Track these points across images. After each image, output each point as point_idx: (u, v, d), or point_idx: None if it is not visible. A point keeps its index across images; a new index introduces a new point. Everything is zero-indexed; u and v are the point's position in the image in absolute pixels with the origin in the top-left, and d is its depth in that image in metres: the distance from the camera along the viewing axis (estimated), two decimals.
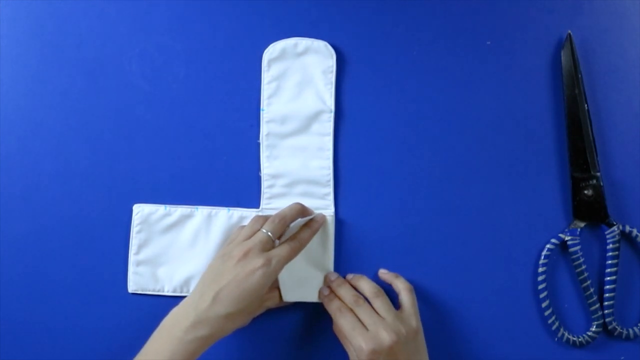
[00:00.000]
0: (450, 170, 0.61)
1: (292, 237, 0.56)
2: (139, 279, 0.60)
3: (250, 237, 0.55)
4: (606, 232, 0.59)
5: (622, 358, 0.59)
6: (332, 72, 0.61)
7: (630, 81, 0.62)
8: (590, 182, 0.60)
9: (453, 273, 0.60)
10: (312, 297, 0.59)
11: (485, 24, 0.62)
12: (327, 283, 0.59)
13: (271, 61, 0.62)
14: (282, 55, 0.62)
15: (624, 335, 0.59)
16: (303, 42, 0.62)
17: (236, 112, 0.62)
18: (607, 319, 0.59)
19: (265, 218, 0.57)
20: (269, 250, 0.54)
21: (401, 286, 0.58)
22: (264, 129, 0.61)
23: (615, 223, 0.59)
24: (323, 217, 0.60)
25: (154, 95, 0.62)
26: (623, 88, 0.62)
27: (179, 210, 0.61)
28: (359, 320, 0.55)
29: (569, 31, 0.61)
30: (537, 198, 0.61)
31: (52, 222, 0.61)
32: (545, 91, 0.62)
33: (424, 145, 0.61)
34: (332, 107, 0.61)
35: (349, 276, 0.60)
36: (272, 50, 0.62)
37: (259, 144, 0.61)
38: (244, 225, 0.58)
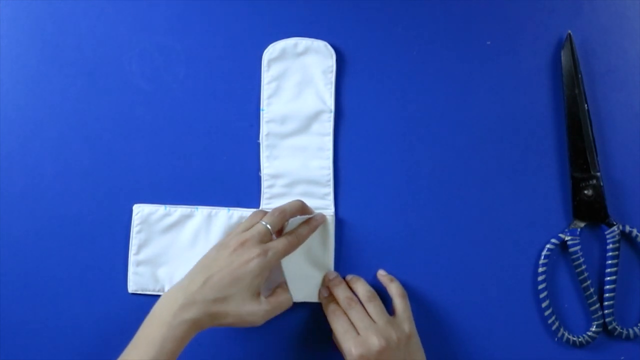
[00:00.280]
0: (450, 170, 0.61)
1: (291, 232, 0.57)
2: (139, 279, 0.60)
3: (248, 229, 0.55)
4: (606, 232, 0.59)
5: (622, 358, 0.59)
6: (332, 72, 0.61)
7: (630, 81, 0.62)
8: (590, 182, 0.60)
9: (453, 273, 0.60)
10: (312, 297, 0.59)
11: (485, 24, 0.62)
12: (325, 282, 0.59)
13: (271, 61, 0.62)
14: (282, 55, 0.62)
15: (624, 335, 0.59)
16: (303, 42, 0.62)
17: (236, 112, 0.62)
18: (607, 319, 0.59)
19: (265, 213, 0.57)
20: (266, 242, 0.54)
21: (395, 291, 0.58)
22: (264, 129, 0.61)
23: (615, 223, 0.59)
24: (323, 216, 0.60)
25: (154, 95, 0.62)
26: (623, 88, 0.62)
27: (179, 210, 0.61)
28: (352, 323, 0.55)
29: (569, 31, 0.61)
30: (537, 198, 0.61)
31: (52, 222, 0.61)
32: (545, 91, 0.62)
33: (424, 145, 0.61)
34: (332, 107, 0.61)
35: (348, 277, 0.60)
36: (272, 50, 0.62)
37: (259, 144, 0.61)
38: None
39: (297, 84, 0.61)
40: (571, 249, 0.59)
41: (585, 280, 0.59)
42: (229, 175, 0.61)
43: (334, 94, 0.61)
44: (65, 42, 0.62)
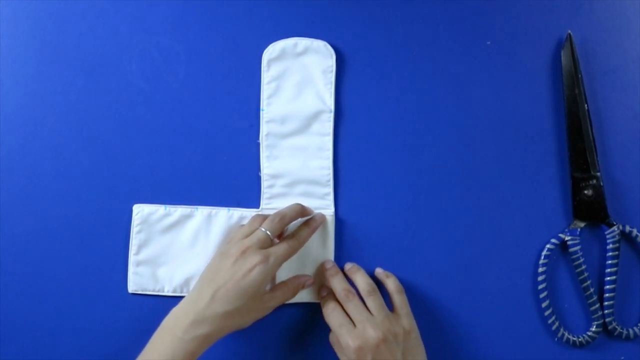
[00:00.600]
0: (450, 170, 0.61)
1: (291, 236, 0.56)
2: (139, 279, 0.60)
3: (248, 235, 0.55)
4: (606, 232, 0.59)
5: (622, 358, 0.59)
6: (331, 72, 0.61)
7: (630, 81, 0.62)
8: (590, 182, 0.60)
9: (453, 273, 0.60)
10: (311, 296, 0.59)
11: (485, 24, 0.62)
12: (322, 270, 0.59)
13: (271, 61, 0.62)
14: (281, 55, 0.62)
15: (624, 335, 0.59)
16: (303, 42, 0.62)
17: (236, 112, 0.62)
18: (607, 319, 0.59)
19: (264, 217, 0.57)
20: (267, 248, 0.54)
21: (392, 287, 0.58)
22: (263, 129, 0.61)
23: (615, 223, 0.59)
24: (322, 216, 0.60)
25: (154, 95, 0.62)
26: (623, 88, 0.62)
27: (179, 211, 0.61)
28: (348, 316, 0.55)
29: (569, 31, 0.61)
30: (537, 198, 0.61)
31: (52, 222, 0.61)
32: (545, 91, 0.62)
33: (423, 145, 0.61)
34: (332, 107, 0.61)
35: (348, 265, 0.59)
36: (272, 50, 0.62)
37: (259, 144, 0.61)
38: (244, 225, 0.58)
39: (297, 84, 0.61)
40: (571, 249, 0.59)
41: (585, 280, 0.59)
42: (229, 175, 0.61)
43: (333, 94, 0.61)
44: (65, 42, 0.62)
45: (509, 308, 0.60)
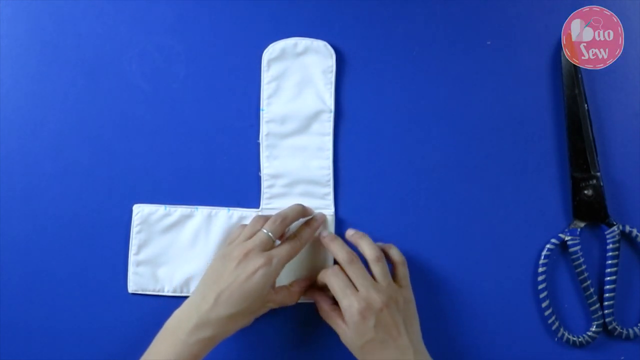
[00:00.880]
0: (450, 170, 0.61)
1: (292, 236, 0.56)
2: (139, 279, 0.60)
3: (250, 237, 0.55)
4: (606, 232, 0.59)
5: (622, 358, 0.59)
6: (331, 72, 0.61)
7: (630, 81, 0.62)
8: (590, 182, 0.60)
9: (453, 273, 0.60)
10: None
11: (485, 24, 0.62)
12: (320, 237, 0.59)
13: (271, 61, 0.62)
14: (281, 55, 0.62)
15: (624, 335, 0.59)
16: (303, 42, 0.62)
17: (236, 112, 0.62)
18: (607, 319, 0.59)
19: (266, 218, 0.57)
20: (269, 250, 0.54)
21: (397, 259, 0.57)
22: (263, 129, 0.61)
23: (615, 223, 0.59)
24: (323, 216, 0.60)
25: (154, 95, 0.62)
26: (623, 88, 0.62)
27: (179, 211, 0.61)
28: (350, 281, 0.54)
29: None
30: (537, 198, 0.61)
31: (52, 222, 0.61)
32: (545, 91, 0.62)
33: (423, 145, 0.61)
34: (332, 107, 0.61)
35: (350, 232, 0.59)
36: (272, 50, 0.62)
37: (259, 144, 0.61)
38: (245, 225, 0.58)
39: (297, 84, 0.61)
40: (571, 249, 0.59)
41: (585, 280, 0.59)
42: (229, 175, 0.61)
43: (333, 93, 0.61)
44: (65, 42, 0.62)
45: (509, 308, 0.60)
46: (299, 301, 0.59)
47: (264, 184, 0.61)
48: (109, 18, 0.63)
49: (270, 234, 0.55)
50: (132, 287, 0.60)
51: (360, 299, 0.53)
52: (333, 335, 0.57)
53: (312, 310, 0.60)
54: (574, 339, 0.59)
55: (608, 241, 0.59)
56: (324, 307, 0.57)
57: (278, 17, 0.62)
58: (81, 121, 0.62)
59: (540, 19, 0.62)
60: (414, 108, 0.62)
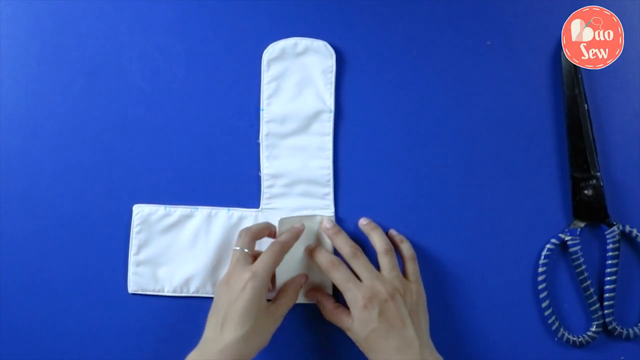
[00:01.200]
0: (450, 170, 0.61)
1: (272, 243, 0.56)
2: (139, 280, 0.60)
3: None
4: (606, 232, 0.59)
5: (622, 358, 0.59)
6: (331, 72, 0.61)
7: (630, 81, 0.62)
8: (590, 182, 0.60)
9: (453, 273, 0.60)
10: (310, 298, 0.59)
11: (485, 24, 0.62)
12: (322, 230, 0.59)
13: (271, 61, 0.62)
14: (281, 55, 0.62)
15: (624, 335, 0.59)
16: (303, 42, 0.62)
17: (236, 112, 0.62)
18: (607, 319, 0.59)
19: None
20: (251, 264, 0.54)
21: (407, 254, 0.58)
22: (263, 129, 0.61)
23: (615, 223, 0.59)
24: (302, 225, 0.59)
25: (154, 95, 0.62)
26: (623, 88, 0.62)
27: (178, 211, 0.61)
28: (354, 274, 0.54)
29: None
30: (537, 198, 0.61)
31: (52, 222, 0.61)
32: (545, 91, 0.62)
33: (423, 145, 0.61)
34: (332, 107, 0.61)
35: (364, 221, 0.59)
36: (272, 50, 0.62)
37: (258, 144, 0.61)
38: None
39: (297, 84, 0.61)
40: (571, 249, 0.59)
41: (585, 280, 0.59)
42: (229, 175, 0.61)
43: (333, 94, 0.61)
44: (65, 42, 0.62)
45: (509, 308, 0.60)
46: (299, 302, 0.58)
47: (264, 184, 0.61)
48: (109, 18, 0.63)
49: (244, 249, 0.55)
50: (132, 287, 0.60)
51: (364, 289, 0.53)
52: (332, 335, 0.57)
53: (311, 311, 0.60)
54: (574, 339, 0.59)
55: (608, 241, 0.59)
56: (328, 305, 0.57)
57: (278, 17, 0.62)
58: (81, 121, 0.62)
59: (540, 19, 0.62)
60: (414, 108, 0.62)
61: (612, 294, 0.59)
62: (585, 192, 0.60)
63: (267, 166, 0.61)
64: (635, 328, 0.59)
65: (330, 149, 0.61)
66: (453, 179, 0.61)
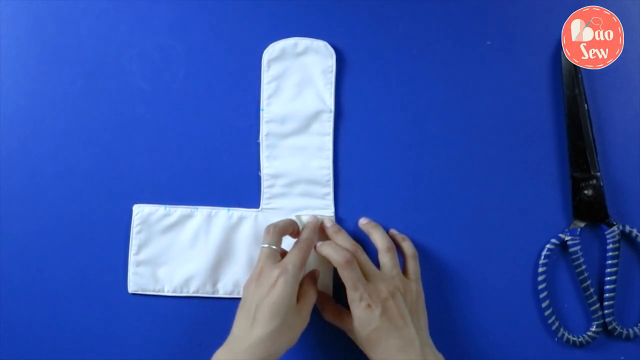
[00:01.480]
0: (450, 170, 0.61)
1: (296, 241, 0.56)
2: (139, 280, 0.60)
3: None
4: (606, 232, 0.59)
5: (622, 358, 0.59)
6: (331, 72, 0.61)
7: (630, 81, 0.62)
8: (590, 182, 0.60)
9: (453, 273, 0.60)
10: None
11: (485, 24, 0.62)
12: (321, 228, 0.59)
13: (271, 61, 0.62)
14: (281, 55, 0.62)
15: (624, 335, 0.59)
16: (303, 42, 0.62)
17: (236, 112, 0.62)
18: (607, 319, 0.59)
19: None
20: (280, 261, 0.54)
21: (408, 252, 0.58)
22: (263, 129, 0.61)
23: (615, 223, 0.59)
24: (316, 218, 0.59)
25: (154, 95, 0.62)
26: (623, 88, 0.62)
27: (178, 211, 0.61)
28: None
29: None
30: (537, 198, 0.61)
31: (52, 222, 0.61)
32: (545, 91, 0.62)
33: (423, 145, 0.61)
34: (332, 107, 0.61)
35: (364, 220, 0.60)
36: (272, 50, 0.61)
37: (258, 144, 0.61)
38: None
39: (297, 84, 0.61)
40: (571, 249, 0.59)
41: (585, 280, 0.59)
42: (229, 175, 0.61)
43: (333, 93, 0.61)
44: (65, 42, 0.62)
45: (509, 308, 0.60)
46: None
47: (264, 183, 0.61)
48: (109, 18, 0.63)
49: (272, 246, 0.55)
50: (132, 287, 0.60)
51: (368, 288, 0.53)
52: (332, 335, 0.57)
53: (312, 311, 0.59)
54: (574, 339, 0.59)
55: (608, 241, 0.59)
56: (328, 307, 0.57)
57: (278, 17, 0.62)
58: (81, 121, 0.62)
59: (540, 19, 0.62)
60: (414, 108, 0.62)
61: (612, 294, 0.59)
62: (585, 192, 0.60)
63: (267, 166, 0.61)
64: (635, 328, 0.59)
65: (330, 149, 0.61)
66: (453, 179, 0.61)
